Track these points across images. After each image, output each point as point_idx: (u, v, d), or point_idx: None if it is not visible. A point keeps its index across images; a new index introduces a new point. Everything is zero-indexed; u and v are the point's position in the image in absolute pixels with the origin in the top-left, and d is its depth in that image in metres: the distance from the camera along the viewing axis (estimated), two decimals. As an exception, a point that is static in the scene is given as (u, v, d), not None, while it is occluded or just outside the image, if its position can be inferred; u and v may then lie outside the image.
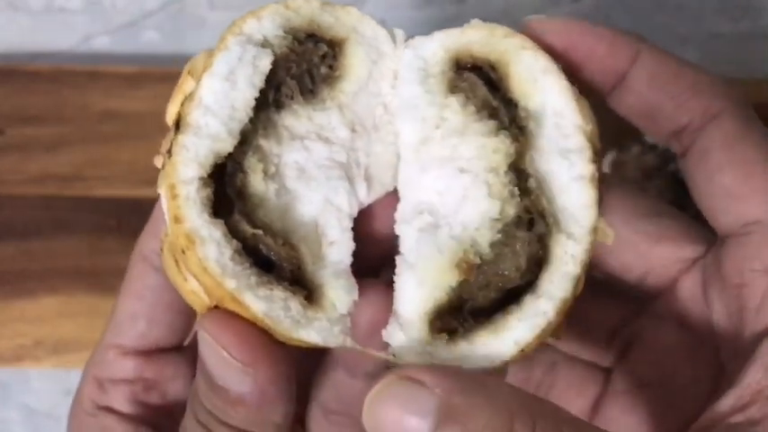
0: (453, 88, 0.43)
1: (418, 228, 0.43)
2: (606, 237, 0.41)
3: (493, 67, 0.42)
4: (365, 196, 0.44)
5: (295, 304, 0.41)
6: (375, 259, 0.46)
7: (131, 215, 0.74)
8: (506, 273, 0.41)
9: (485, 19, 0.43)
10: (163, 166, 0.41)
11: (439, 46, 0.43)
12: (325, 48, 0.43)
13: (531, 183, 0.41)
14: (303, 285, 0.42)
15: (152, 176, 0.74)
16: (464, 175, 0.42)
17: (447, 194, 0.43)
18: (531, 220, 0.41)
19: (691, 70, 0.44)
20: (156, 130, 0.75)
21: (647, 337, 0.48)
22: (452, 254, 0.42)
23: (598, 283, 0.48)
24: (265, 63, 0.41)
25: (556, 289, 0.40)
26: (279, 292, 0.40)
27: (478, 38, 0.43)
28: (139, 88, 0.77)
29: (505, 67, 0.42)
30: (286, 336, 0.41)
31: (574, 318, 0.42)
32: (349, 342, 0.42)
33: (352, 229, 0.44)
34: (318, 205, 0.43)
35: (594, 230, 0.40)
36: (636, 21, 0.86)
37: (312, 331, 0.41)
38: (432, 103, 0.43)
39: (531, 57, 0.42)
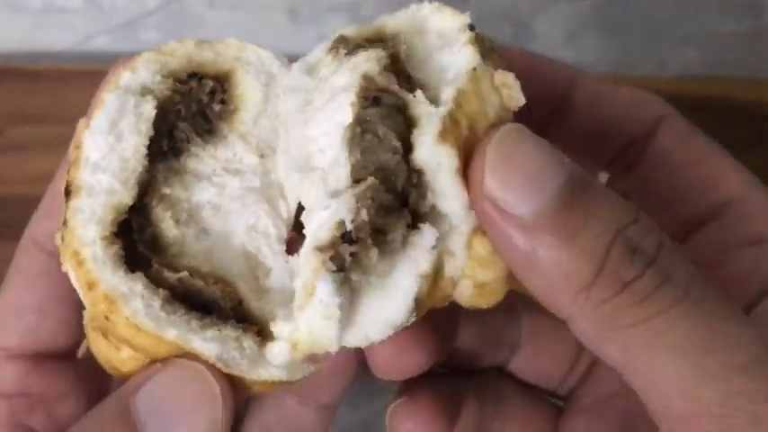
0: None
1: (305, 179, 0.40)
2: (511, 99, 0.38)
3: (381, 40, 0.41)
4: (288, 212, 0.43)
5: (249, 342, 0.38)
6: None
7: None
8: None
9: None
10: (62, 240, 0.38)
11: (321, 49, 0.42)
12: (210, 83, 0.42)
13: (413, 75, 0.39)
14: (252, 322, 0.39)
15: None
16: (338, 98, 0.39)
17: (328, 135, 0.40)
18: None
19: (626, 88, 0.46)
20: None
21: None
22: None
23: None
24: (148, 109, 0.40)
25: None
26: (229, 332, 0.38)
27: (350, 32, 0.42)
28: (139, 88, 0.77)
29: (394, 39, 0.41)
30: (246, 378, 0.38)
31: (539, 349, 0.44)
32: (314, 369, 0.39)
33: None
34: (243, 236, 0.41)
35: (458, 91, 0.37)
36: (635, 20, 0.85)
37: (273, 368, 0.38)
38: (311, 77, 0.42)
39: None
